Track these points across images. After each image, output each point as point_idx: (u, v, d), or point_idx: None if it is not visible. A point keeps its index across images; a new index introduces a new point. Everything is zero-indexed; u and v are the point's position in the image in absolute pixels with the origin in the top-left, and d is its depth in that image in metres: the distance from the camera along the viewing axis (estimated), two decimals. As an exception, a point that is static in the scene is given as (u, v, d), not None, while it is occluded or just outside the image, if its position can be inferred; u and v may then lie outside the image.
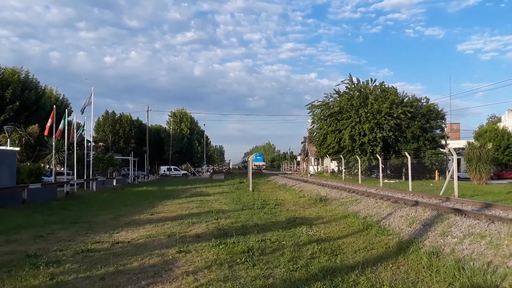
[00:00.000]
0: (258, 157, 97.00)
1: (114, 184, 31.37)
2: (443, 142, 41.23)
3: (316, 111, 44.81)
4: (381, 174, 27.23)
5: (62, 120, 25.83)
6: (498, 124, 58.62)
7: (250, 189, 25.56)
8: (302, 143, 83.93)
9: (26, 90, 34.51)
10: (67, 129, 26.99)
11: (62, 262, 7.15)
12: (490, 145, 31.85)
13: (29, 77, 36.44)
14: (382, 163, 27.98)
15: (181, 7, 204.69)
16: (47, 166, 30.84)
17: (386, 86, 41.74)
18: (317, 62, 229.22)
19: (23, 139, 29.78)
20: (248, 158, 68.13)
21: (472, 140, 41.05)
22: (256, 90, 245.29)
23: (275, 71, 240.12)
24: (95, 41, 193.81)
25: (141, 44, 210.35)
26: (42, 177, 24.97)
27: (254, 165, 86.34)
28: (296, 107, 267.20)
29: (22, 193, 17.82)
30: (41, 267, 6.76)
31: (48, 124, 24.74)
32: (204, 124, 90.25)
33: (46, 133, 25.85)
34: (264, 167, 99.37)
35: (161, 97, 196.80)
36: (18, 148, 23.54)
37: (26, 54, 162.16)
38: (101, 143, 58.44)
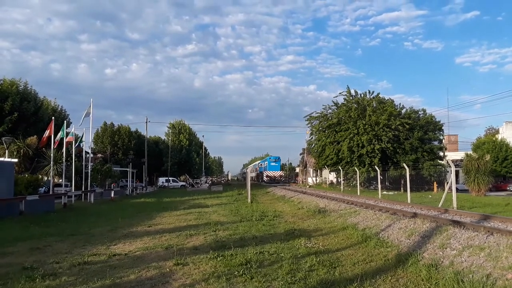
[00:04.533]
0: (272, 163, 68.63)
1: (112, 195, 31.23)
2: (441, 153, 41.32)
3: (314, 123, 44.96)
4: (379, 186, 27.22)
5: (60, 132, 25.82)
6: (496, 135, 58.83)
7: (249, 200, 25.47)
8: (300, 154, 77.94)
9: (24, 102, 34.59)
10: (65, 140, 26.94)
11: (59, 275, 7.09)
12: (488, 157, 31.94)
13: (28, 88, 36.58)
14: (380, 174, 27.99)
15: (182, 20, 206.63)
16: (45, 178, 30.75)
17: (383, 98, 42.08)
18: (316, 74, 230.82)
19: (22, 151, 29.75)
20: (246, 169, 64.22)
21: (470, 152, 41.13)
22: (256, 101, 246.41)
23: (275, 83, 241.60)
24: (97, 53, 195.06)
25: (142, 56, 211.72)
26: (39, 189, 24.86)
27: (267, 176, 68.03)
28: (295, 119, 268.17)
29: (20, 204, 17.71)
30: (37, 279, 6.69)
31: (46, 135, 24.72)
32: (203, 136, 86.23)
33: (41, 144, 25.76)
34: (283, 178, 72.29)
35: (161, 109, 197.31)
36: (16, 160, 23.51)
37: (27, 66, 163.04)
38: (99, 155, 58.33)
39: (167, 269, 7.46)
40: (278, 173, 68.68)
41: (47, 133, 24.71)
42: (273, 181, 64.77)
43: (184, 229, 12.69)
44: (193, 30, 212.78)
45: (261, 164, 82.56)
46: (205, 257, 8.32)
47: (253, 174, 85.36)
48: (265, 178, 68.26)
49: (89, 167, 30.82)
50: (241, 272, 7.03)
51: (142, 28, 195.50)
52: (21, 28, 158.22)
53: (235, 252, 8.70)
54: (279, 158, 71.67)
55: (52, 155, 25.43)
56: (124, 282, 6.64)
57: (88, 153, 34.82)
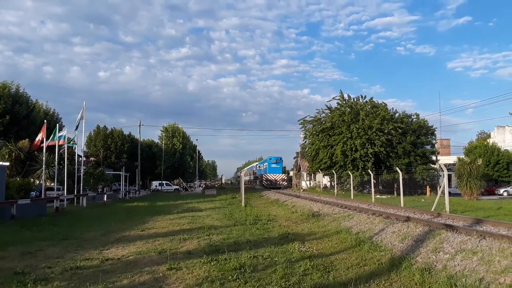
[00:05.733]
0: (273, 165, 58.94)
1: (105, 199, 31.01)
2: (433, 157, 41.60)
3: (308, 127, 45.07)
4: (373, 190, 27.32)
5: (52, 135, 25.62)
6: (488, 140, 59.43)
7: (243, 204, 25.42)
8: (294, 158, 75.00)
9: (16, 104, 34.35)
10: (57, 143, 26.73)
11: (50, 280, 7.01)
12: (480, 161, 32.22)
13: (20, 91, 36.32)
14: (374, 178, 28.10)
15: (176, 23, 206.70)
16: (37, 181, 30.46)
17: (376, 102, 42.32)
18: (310, 78, 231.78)
19: (13, 154, 29.48)
20: (240, 173, 60.86)
21: (462, 156, 41.45)
22: (250, 105, 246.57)
23: (269, 86, 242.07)
24: (90, 56, 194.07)
25: (136, 59, 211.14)
26: (31, 192, 24.62)
27: (267, 179, 58.61)
28: (289, 122, 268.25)
29: (11, 208, 17.52)
30: (29, 284, 6.61)
31: (38, 138, 24.52)
32: (197, 139, 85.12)
33: (34, 147, 25.52)
34: (285, 183, 60.95)
35: (154, 112, 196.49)
36: (7, 163, 23.22)
37: (20, 68, 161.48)
38: (92, 158, 57.95)
39: (161, 274, 7.41)
40: (280, 176, 58.94)
41: (39, 136, 24.51)
42: (274, 185, 56.10)
43: (177, 233, 12.63)
44: (187, 33, 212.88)
45: (259, 166, 73.35)
46: (199, 262, 8.28)
47: (249, 178, 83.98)
48: (264, 182, 59.11)
49: (82, 171, 30.58)
50: (235, 277, 7.00)
51: (136, 31, 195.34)
52: (14, 30, 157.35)
53: (229, 256, 8.67)
54: (280, 158, 60.67)
55: (44, 158, 25.20)
56: (116, 287, 6.58)
57: (81, 156, 34.58)
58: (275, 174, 58.39)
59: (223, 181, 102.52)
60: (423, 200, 26.33)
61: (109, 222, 16.25)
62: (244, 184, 31.41)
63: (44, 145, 24.69)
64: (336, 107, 42.92)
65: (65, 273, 7.57)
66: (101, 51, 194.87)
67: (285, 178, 61.62)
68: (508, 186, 45.07)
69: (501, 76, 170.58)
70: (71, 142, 28.49)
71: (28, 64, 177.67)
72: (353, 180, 32.53)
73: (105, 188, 38.47)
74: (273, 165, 58.68)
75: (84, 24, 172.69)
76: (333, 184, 41.55)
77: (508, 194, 41.50)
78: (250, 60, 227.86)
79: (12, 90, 35.35)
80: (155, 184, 63.76)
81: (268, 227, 14.50)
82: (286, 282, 6.74)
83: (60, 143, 26.24)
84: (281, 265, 7.93)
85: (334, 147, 39.51)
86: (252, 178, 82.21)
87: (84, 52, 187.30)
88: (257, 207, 25.61)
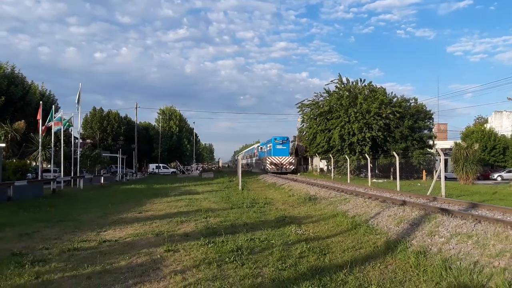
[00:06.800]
0: (278, 146, 49.93)
1: (102, 181, 31.06)
2: (430, 142, 41.72)
3: (306, 110, 44.95)
4: (369, 174, 27.44)
5: (49, 116, 25.46)
6: (485, 125, 59.62)
7: (240, 187, 25.48)
8: (292, 142, 78.28)
9: (12, 85, 33.95)
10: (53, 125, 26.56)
11: (48, 261, 7.05)
12: (476, 146, 32.29)
13: (15, 72, 35.89)
14: (370, 162, 28.21)
15: (173, 4, 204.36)
16: (34, 163, 30.42)
17: (375, 86, 42.15)
18: (308, 62, 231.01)
19: (9, 135, 29.36)
20: (237, 156, 58.11)
21: (459, 141, 41.59)
22: (248, 88, 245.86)
23: (267, 69, 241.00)
24: (86, 36, 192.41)
25: (133, 41, 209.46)
26: (27, 174, 24.60)
27: (271, 163, 49.19)
28: (287, 106, 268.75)
29: (8, 190, 17.52)
30: (27, 265, 6.65)
31: (40, 122, 24.43)
32: (194, 122, 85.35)
33: (40, 131, 25.43)
34: (293, 167, 51.34)
35: (151, 94, 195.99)
36: (3, 145, 23.14)
37: (15, 49, 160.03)
38: (88, 140, 57.81)
39: (158, 256, 7.45)
40: (286, 159, 49.53)
41: (40, 119, 24.32)
42: (279, 169, 47.98)
43: (175, 216, 12.68)
44: (185, 14, 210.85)
45: (261, 148, 64.32)
46: (196, 244, 8.33)
47: (247, 161, 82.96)
48: (268, 166, 49.74)
49: (78, 153, 30.52)
50: (232, 259, 7.05)
51: (133, 12, 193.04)
52: (9, 10, 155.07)
53: (226, 238, 8.72)
54: (287, 139, 52.02)
55: (40, 140, 25.09)
56: (114, 268, 6.62)
57: (77, 138, 34.42)
58: (281, 157, 49.48)
59: (220, 165, 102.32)
60: (419, 184, 26.48)
61: (106, 204, 16.27)
62: (242, 168, 31.34)
63: (40, 126, 24.54)
64: (334, 91, 42.75)
65: (63, 254, 7.61)
66: (97, 32, 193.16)
67: (293, 161, 52.67)
68: (502, 171, 45.41)
69: (500, 60, 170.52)
70: (67, 123, 28.29)
71: (24, 45, 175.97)
72: (350, 164, 32.64)
73: (101, 170, 38.50)
74: (279, 146, 50.11)
75: (80, 4, 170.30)
76: (330, 168, 41.69)
77: (502, 179, 41.86)
78: (249, 42, 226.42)
79: (7, 71, 34.91)
80: (152, 166, 63.84)
81: (265, 210, 14.57)
82: (283, 264, 6.80)
83: (57, 125, 26.08)
84: (277, 247, 7.99)
85: (331, 131, 39.52)
86: (250, 161, 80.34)
87: (80, 32, 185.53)
88: (254, 190, 25.70)
